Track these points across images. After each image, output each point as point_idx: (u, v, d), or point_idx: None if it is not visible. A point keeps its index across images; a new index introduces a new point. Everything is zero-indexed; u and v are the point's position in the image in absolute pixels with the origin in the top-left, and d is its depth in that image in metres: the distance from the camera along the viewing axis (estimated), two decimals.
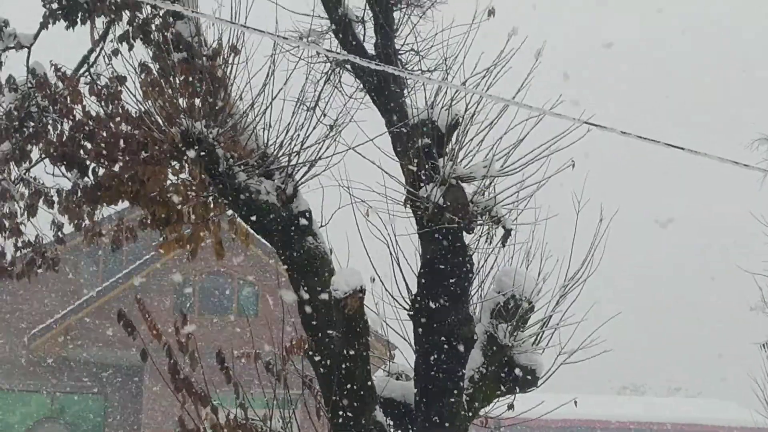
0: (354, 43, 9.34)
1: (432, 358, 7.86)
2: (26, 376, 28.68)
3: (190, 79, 7.76)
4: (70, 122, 8.38)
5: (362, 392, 7.56)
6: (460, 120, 7.94)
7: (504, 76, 7.97)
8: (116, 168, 8.02)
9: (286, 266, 7.83)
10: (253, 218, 7.78)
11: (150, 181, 7.82)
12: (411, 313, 7.98)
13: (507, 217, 7.91)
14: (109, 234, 8.86)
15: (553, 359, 8.14)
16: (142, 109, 7.85)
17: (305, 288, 7.69)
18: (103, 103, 8.41)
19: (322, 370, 7.61)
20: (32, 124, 8.56)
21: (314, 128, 7.67)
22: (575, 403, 9.51)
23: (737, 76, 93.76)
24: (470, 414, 8.08)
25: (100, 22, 8.67)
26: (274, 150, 7.76)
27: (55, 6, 8.56)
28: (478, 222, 7.92)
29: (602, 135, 7.46)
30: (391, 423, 7.99)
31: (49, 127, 8.54)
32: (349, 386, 7.51)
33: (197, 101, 7.69)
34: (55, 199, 8.76)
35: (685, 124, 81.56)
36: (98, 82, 8.61)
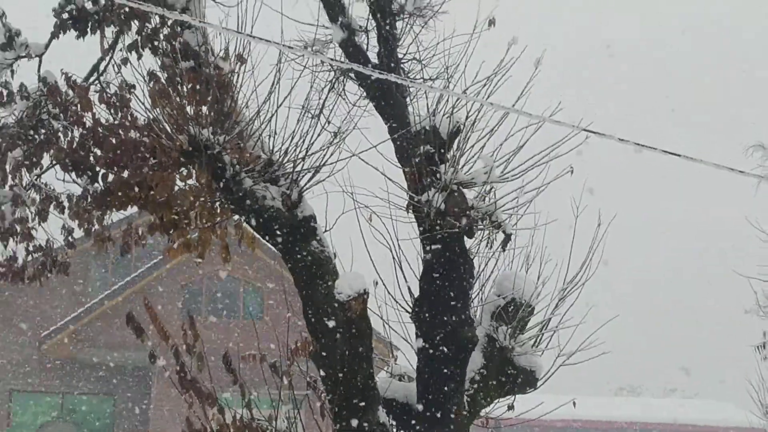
0: (352, 49, 9.35)
1: (433, 359, 7.85)
2: (38, 377, 28.70)
3: (198, 87, 7.78)
4: (81, 129, 8.39)
5: (365, 393, 7.56)
6: (461, 127, 7.94)
7: (504, 85, 7.98)
8: (125, 174, 8.03)
9: (291, 270, 7.84)
10: (259, 223, 7.79)
11: (158, 186, 7.83)
12: (413, 315, 7.98)
13: (507, 222, 7.91)
14: (118, 238, 8.87)
15: (552, 361, 8.14)
16: (151, 117, 7.86)
17: (310, 291, 7.69)
18: (112, 111, 8.42)
19: (326, 371, 7.61)
20: (43, 131, 8.57)
21: (318, 135, 7.69)
22: (574, 403, 9.51)
23: (737, 76, 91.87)
24: (471, 414, 8.08)
25: (110, 31, 8.68)
26: (280, 156, 7.76)
27: (65, 16, 8.57)
28: (479, 227, 7.92)
29: (601, 141, 7.47)
30: (394, 423, 7.98)
31: (60, 134, 8.55)
32: (352, 387, 7.51)
33: (204, 109, 7.71)
34: (66, 204, 8.78)
35: (685, 124, 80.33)
36: (108, 91, 8.62)
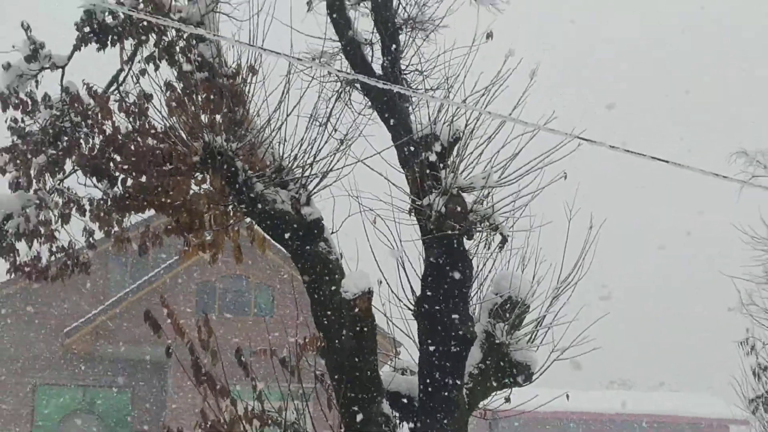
0: (356, 60, 9.34)
1: (434, 354, 7.85)
2: (60, 371, 28.69)
3: (212, 96, 7.78)
4: (101, 137, 8.39)
5: (370, 386, 7.55)
6: (461, 135, 7.94)
7: (501, 95, 7.98)
8: (143, 179, 8.03)
9: (300, 270, 7.83)
10: (270, 225, 7.78)
11: (174, 191, 7.83)
12: (415, 313, 7.98)
13: (504, 224, 7.90)
14: (136, 240, 8.87)
15: (546, 356, 8.13)
16: (167, 125, 7.86)
17: (318, 290, 7.69)
18: (131, 119, 8.42)
19: (333, 365, 7.60)
20: (66, 138, 8.57)
21: (326, 142, 7.69)
22: (567, 396, 9.50)
23: (737, 75, 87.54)
24: (470, 406, 8.07)
25: (129, 44, 8.68)
26: (289, 162, 7.76)
27: (87, 30, 8.57)
28: (478, 229, 7.91)
29: (592, 148, 7.46)
30: (397, 415, 7.97)
31: (82, 141, 8.55)
32: (357, 380, 7.51)
33: (218, 117, 7.71)
34: (87, 207, 8.77)
35: (685, 123, 77.28)
36: (127, 100, 8.61)
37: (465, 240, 7.94)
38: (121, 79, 8.82)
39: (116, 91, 8.78)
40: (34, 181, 8.59)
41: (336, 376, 7.60)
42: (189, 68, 8.01)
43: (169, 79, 8.28)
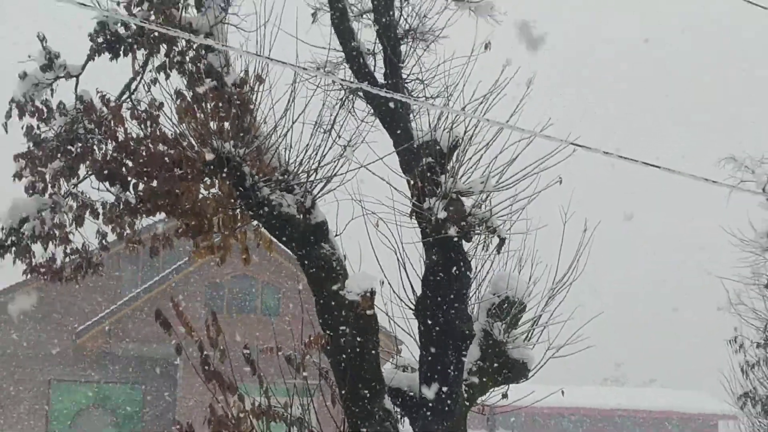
0: (360, 69, 9.35)
1: (434, 352, 7.85)
2: (74, 368, 28.71)
3: (220, 104, 7.78)
4: (114, 143, 8.38)
5: (372, 383, 7.56)
6: (460, 141, 7.95)
7: (499, 102, 7.99)
8: (154, 184, 8.03)
9: (305, 270, 7.84)
10: (276, 228, 7.79)
11: (184, 195, 7.84)
12: (416, 312, 7.98)
13: (501, 227, 7.91)
14: (147, 242, 8.88)
15: (542, 354, 8.14)
16: (178, 131, 7.87)
17: (322, 290, 7.70)
18: (142, 126, 8.42)
19: (336, 362, 7.61)
20: (80, 144, 8.57)
21: (330, 148, 7.70)
22: (562, 392, 9.50)
23: (737, 75, 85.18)
24: (469, 402, 8.08)
25: (141, 54, 8.68)
26: (295, 168, 7.77)
27: (100, 40, 8.58)
28: (476, 232, 7.92)
29: (586, 154, 7.48)
30: (399, 410, 7.98)
31: (95, 147, 8.55)
32: (360, 377, 7.51)
33: (226, 124, 7.71)
34: (100, 211, 8.77)
35: (685, 122, 75.89)
36: (138, 108, 8.61)
37: (464, 242, 7.95)
38: (133, 87, 8.83)
39: (128, 99, 8.78)
40: (49, 185, 8.60)
41: (339, 373, 7.61)
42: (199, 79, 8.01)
43: (180, 88, 8.29)
